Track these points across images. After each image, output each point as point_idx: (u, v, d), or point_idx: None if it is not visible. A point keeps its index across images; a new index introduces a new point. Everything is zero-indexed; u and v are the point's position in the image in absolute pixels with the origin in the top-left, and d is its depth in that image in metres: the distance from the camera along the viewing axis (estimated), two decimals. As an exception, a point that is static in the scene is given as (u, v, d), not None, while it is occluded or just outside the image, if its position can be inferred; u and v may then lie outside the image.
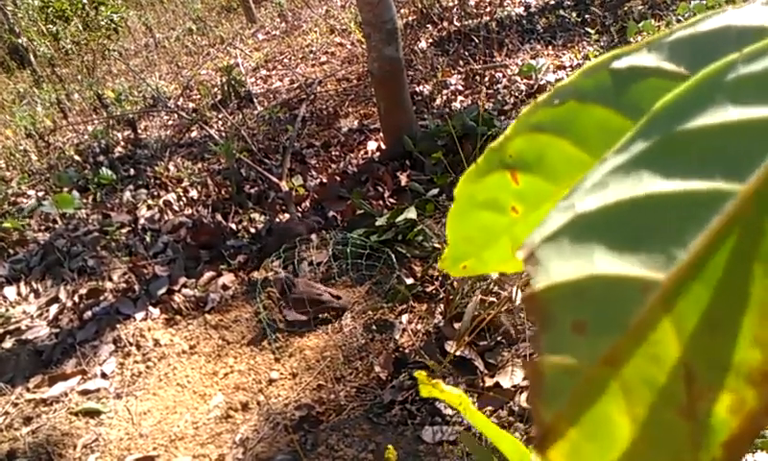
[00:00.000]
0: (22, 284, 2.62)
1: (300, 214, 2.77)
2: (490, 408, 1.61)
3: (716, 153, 0.16)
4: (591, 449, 0.15)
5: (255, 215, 2.85)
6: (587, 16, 4.16)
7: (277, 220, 2.79)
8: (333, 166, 3.21)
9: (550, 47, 3.98)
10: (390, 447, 1.03)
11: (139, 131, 4.21)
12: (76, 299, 2.43)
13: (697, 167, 0.16)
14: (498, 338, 1.81)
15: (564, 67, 3.63)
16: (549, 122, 0.24)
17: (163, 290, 2.37)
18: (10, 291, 2.58)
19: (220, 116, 4.20)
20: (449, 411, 1.63)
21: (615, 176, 0.17)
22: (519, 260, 0.17)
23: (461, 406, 0.41)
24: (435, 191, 2.64)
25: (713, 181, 0.15)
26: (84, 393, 1.99)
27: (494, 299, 1.86)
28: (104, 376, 2.04)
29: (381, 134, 3.20)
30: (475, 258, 0.29)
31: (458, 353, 1.75)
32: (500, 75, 3.68)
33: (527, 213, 0.27)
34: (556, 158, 0.24)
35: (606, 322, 0.15)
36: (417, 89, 3.71)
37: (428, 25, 4.74)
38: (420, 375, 0.42)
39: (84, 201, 3.27)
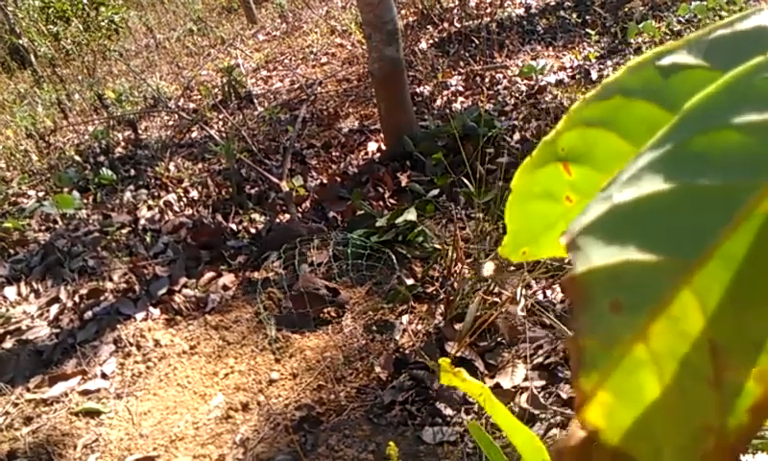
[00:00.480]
0: (22, 284, 2.62)
1: (300, 215, 2.77)
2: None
3: (743, 151, 0.17)
4: (626, 412, 0.17)
5: (256, 216, 2.85)
6: (587, 17, 4.16)
7: (278, 220, 2.79)
8: (333, 167, 3.21)
9: (550, 48, 3.98)
10: (391, 443, 1.03)
11: (140, 131, 4.21)
12: (76, 299, 2.43)
13: (724, 164, 0.17)
14: (499, 339, 1.81)
15: (565, 68, 3.63)
16: (597, 117, 0.26)
17: (164, 290, 2.37)
18: (10, 291, 2.58)
19: (220, 117, 4.20)
20: (450, 412, 1.63)
21: (649, 170, 0.18)
22: None
23: (481, 397, 0.41)
24: (435, 192, 2.63)
25: (740, 177, 0.17)
26: (85, 393, 1.98)
27: (497, 299, 1.85)
28: (104, 376, 2.04)
29: (381, 135, 3.20)
30: (533, 244, 0.31)
31: (458, 354, 1.75)
32: (501, 76, 3.68)
33: (581, 202, 0.28)
34: (604, 150, 0.26)
35: (639, 302, 0.17)
36: (417, 90, 3.71)
37: (429, 26, 4.74)
38: (444, 361, 0.42)
39: (85, 201, 3.27)
